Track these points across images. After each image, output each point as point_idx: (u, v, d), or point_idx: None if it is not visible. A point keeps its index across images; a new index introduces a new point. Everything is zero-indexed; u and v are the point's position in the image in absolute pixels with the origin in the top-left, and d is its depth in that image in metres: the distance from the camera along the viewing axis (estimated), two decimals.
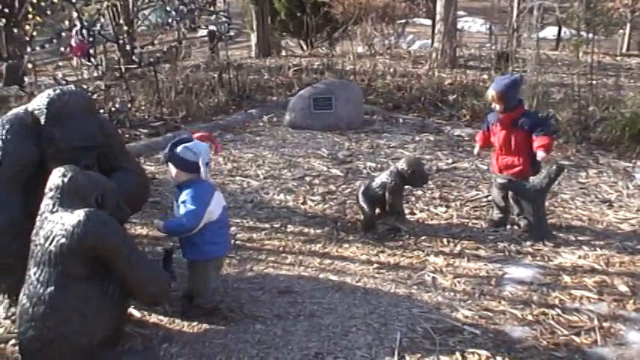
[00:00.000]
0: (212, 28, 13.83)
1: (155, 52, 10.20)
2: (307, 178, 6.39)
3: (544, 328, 3.67)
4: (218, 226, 3.69)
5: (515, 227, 5.06)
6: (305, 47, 17.88)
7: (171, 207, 5.50)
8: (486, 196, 5.73)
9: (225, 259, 4.15)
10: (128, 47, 9.65)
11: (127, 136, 7.74)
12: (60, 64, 12.94)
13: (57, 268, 3.05)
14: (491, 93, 4.91)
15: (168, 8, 9.47)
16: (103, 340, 3.17)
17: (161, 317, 3.83)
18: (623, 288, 4.13)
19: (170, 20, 9.32)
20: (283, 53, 17.53)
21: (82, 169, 3.35)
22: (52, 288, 3.04)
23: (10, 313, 3.75)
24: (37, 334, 3.05)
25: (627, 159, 7.00)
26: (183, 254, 3.80)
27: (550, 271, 4.39)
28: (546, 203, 5.06)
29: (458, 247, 4.79)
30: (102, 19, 9.27)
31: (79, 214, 3.05)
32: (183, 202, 3.56)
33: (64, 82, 7.70)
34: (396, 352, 3.42)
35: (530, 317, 3.79)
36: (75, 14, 8.31)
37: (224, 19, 11.48)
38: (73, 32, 10.10)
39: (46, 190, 3.22)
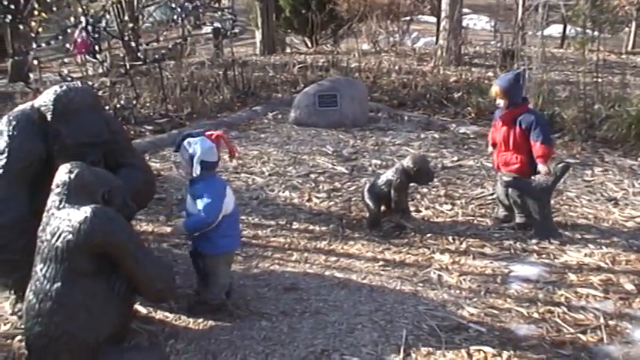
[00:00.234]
0: (217, 25, 13.81)
1: (160, 49, 10.19)
2: (312, 176, 6.39)
3: (550, 326, 3.67)
4: (233, 219, 3.73)
5: (511, 224, 5.07)
6: (310, 44, 17.86)
7: (176, 204, 5.55)
8: (491, 194, 5.71)
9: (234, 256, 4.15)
10: (133, 44, 9.65)
11: (132, 132, 7.74)
12: (65, 60, 12.93)
13: (63, 265, 3.06)
14: (495, 89, 4.91)
15: (173, 5, 9.47)
16: (110, 336, 3.18)
17: (167, 314, 3.84)
18: (629, 286, 4.12)
19: (175, 17, 9.32)
20: (288, 50, 17.52)
21: (88, 166, 3.36)
22: (59, 284, 3.05)
23: (16, 309, 3.77)
24: (44, 330, 3.07)
25: (633, 157, 6.98)
26: (194, 248, 3.81)
27: (556, 269, 4.39)
28: (552, 201, 5.04)
29: (463, 245, 4.79)
30: (107, 16, 9.27)
31: (86, 211, 3.06)
32: (200, 196, 3.57)
33: (69, 79, 7.70)
34: (401, 350, 3.43)
35: (536, 315, 3.79)
36: (80, 10, 8.30)
37: (229, 16, 11.47)
38: (78, 29, 10.10)
39: (53, 187, 3.22)
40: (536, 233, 4.89)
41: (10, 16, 8.98)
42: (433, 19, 18.74)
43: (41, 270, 3.10)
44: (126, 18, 11.49)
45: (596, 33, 9.28)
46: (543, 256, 4.59)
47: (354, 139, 7.78)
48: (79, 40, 13.08)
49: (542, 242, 4.78)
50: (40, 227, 3.19)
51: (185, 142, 3.61)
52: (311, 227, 5.19)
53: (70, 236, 3.04)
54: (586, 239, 4.86)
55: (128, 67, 9.07)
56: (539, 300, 3.97)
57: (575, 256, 4.58)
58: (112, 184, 3.38)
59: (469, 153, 7.16)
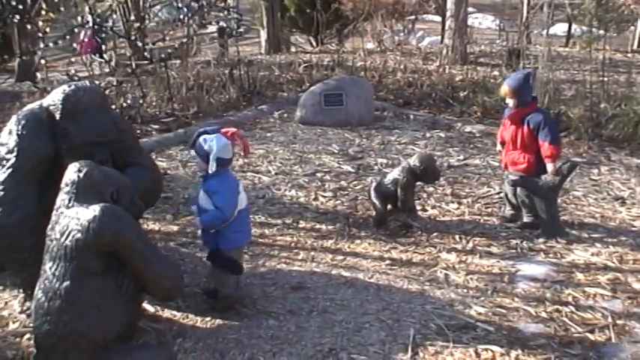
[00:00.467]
0: (222, 24, 13.82)
1: (166, 48, 10.21)
2: (318, 174, 6.39)
3: (558, 326, 3.67)
4: (245, 214, 3.77)
5: (518, 223, 5.07)
6: (315, 44, 17.86)
7: (182, 202, 5.56)
8: (498, 193, 5.71)
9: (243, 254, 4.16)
10: (139, 44, 9.67)
11: (138, 131, 7.74)
12: (72, 59, 12.97)
13: (72, 263, 3.07)
14: (504, 88, 4.90)
15: (180, 5, 9.48)
16: (118, 334, 3.19)
17: (174, 312, 3.85)
18: (637, 285, 4.12)
19: (181, 16, 9.33)
20: (293, 50, 17.52)
21: (97, 165, 3.37)
22: (68, 282, 3.06)
23: (25, 308, 3.78)
24: (53, 329, 3.07)
25: (639, 156, 6.96)
26: (204, 242, 3.84)
27: (563, 268, 4.38)
28: (558, 200, 5.04)
29: (470, 244, 4.78)
30: (114, 16, 9.30)
31: (95, 209, 3.07)
32: (214, 192, 3.59)
33: (76, 78, 7.73)
34: (409, 348, 3.43)
35: (543, 314, 3.79)
36: (87, 9, 8.33)
37: (234, 16, 11.48)
38: (85, 29, 10.13)
39: (62, 186, 3.24)
40: (543, 232, 4.89)
41: (18, 16, 9.01)
42: (438, 18, 18.70)
43: (50, 268, 3.11)
44: (132, 18, 11.51)
45: (601, 32, 9.26)
46: (550, 255, 4.59)
47: (360, 138, 7.78)
48: (85, 39, 13.15)
49: (550, 241, 4.78)
50: (49, 226, 3.21)
51: (201, 139, 3.62)
52: (317, 226, 5.19)
53: (79, 235, 3.05)
54: (593, 238, 4.85)
55: (134, 66, 9.09)
56: (547, 299, 3.96)
57: (583, 255, 4.57)
58: (121, 183, 3.39)
59: (475, 152, 7.15)
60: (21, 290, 3.84)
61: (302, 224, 5.24)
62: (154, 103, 9.38)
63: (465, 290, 4.10)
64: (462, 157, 6.94)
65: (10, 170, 3.60)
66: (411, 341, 3.49)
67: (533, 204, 4.88)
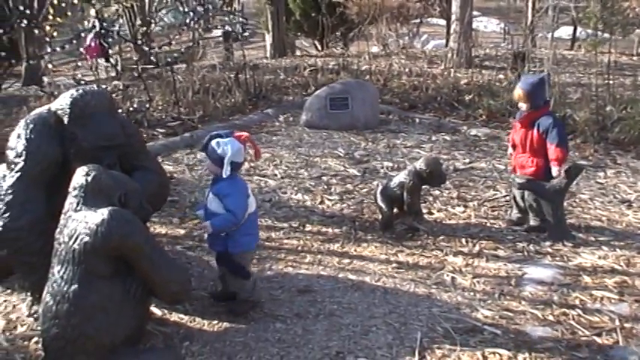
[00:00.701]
0: (227, 28, 13.87)
1: (172, 52, 10.25)
2: (324, 178, 6.40)
3: (565, 329, 3.66)
4: (254, 217, 3.79)
5: (524, 226, 5.06)
6: (320, 47, 17.89)
7: (189, 206, 5.58)
8: (504, 196, 5.71)
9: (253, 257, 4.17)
10: (145, 48, 9.71)
11: (144, 135, 7.77)
12: (78, 64, 13.02)
13: (81, 267, 3.09)
14: (517, 92, 4.89)
15: (185, 9, 9.51)
16: (125, 338, 3.20)
17: (182, 316, 3.86)
18: None
19: (187, 21, 9.37)
20: (298, 53, 17.55)
21: (105, 169, 3.39)
22: (76, 286, 3.08)
23: (33, 311, 3.79)
24: (61, 332, 3.09)
25: None
26: (210, 246, 3.86)
27: (570, 271, 4.37)
28: (565, 203, 5.03)
29: (476, 247, 4.78)
30: (120, 20, 9.34)
31: (103, 213, 3.08)
32: (225, 196, 3.60)
33: (83, 82, 7.76)
34: (416, 352, 3.43)
35: (550, 317, 3.78)
36: (93, 12, 8.36)
37: (239, 20, 11.52)
38: (92, 33, 10.18)
39: (70, 189, 3.25)
40: (549, 235, 4.88)
41: (25, 21, 9.06)
42: (443, 22, 18.74)
43: (58, 272, 3.13)
44: (138, 22, 11.56)
45: (607, 35, 9.24)
46: (557, 258, 4.58)
47: (366, 141, 7.79)
48: (92, 44, 13.20)
49: (556, 244, 4.77)
50: (58, 229, 3.22)
51: (214, 143, 3.63)
52: (324, 229, 5.20)
53: (87, 238, 3.06)
54: (600, 241, 4.84)
55: (140, 70, 9.12)
56: (554, 302, 3.96)
57: (590, 258, 4.56)
58: (128, 186, 3.41)
59: (481, 155, 7.15)
60: (29, 294, 3.85)
61: (308, 228, 5.25)
62: (160, 107, 9.41)
63: (472, 293, 4.09)
64: (467, 161, 6.94)
65: (18, 174, 3.62)
66: (418, 344, 3.49)
67: (541, 208, 4.87)
